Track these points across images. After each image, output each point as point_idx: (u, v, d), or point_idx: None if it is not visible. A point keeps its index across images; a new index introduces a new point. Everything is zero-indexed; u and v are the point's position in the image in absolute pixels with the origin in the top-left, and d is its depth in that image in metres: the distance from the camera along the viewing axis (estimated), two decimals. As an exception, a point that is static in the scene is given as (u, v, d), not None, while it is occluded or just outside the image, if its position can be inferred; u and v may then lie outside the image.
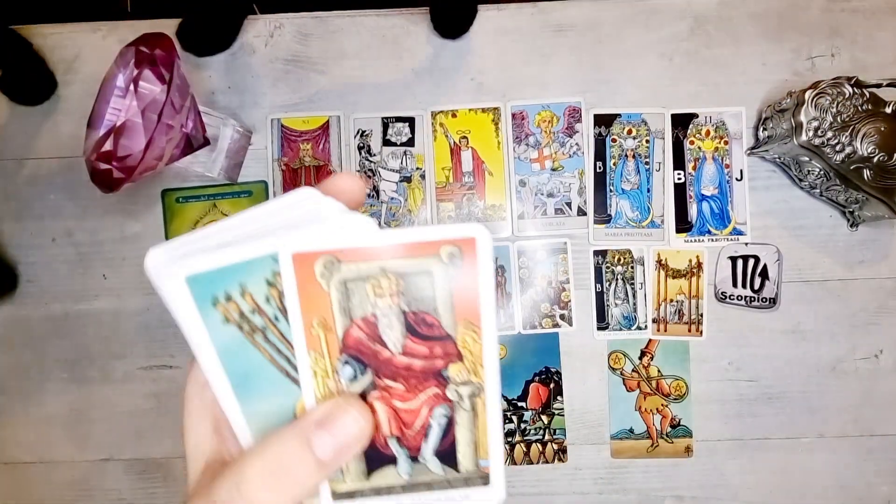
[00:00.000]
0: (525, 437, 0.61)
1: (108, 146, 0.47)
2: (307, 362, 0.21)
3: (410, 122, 0.63)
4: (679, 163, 0.62)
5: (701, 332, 0.61)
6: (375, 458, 0.22)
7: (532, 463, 0.61)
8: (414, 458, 0.23)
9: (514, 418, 0.61)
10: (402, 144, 0.63)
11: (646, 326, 0.61)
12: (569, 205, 0.62)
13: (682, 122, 0.62)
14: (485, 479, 0.23)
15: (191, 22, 0.61)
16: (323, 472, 0.20)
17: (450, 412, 0.23)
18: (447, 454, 0.23)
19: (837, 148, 0.54)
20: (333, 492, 0.22)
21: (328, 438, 0.20)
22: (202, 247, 0.20)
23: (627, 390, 0.61)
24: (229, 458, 0.23)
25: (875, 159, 0.54)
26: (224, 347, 0.21)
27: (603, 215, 0.62)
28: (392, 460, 0.23)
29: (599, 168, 0.62)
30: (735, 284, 0.61)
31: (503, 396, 0.62)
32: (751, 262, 0.61)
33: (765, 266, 0.61)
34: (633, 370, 0.62)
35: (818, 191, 0.60)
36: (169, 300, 0.20)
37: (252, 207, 0.21)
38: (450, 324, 0.21)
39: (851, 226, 0.61)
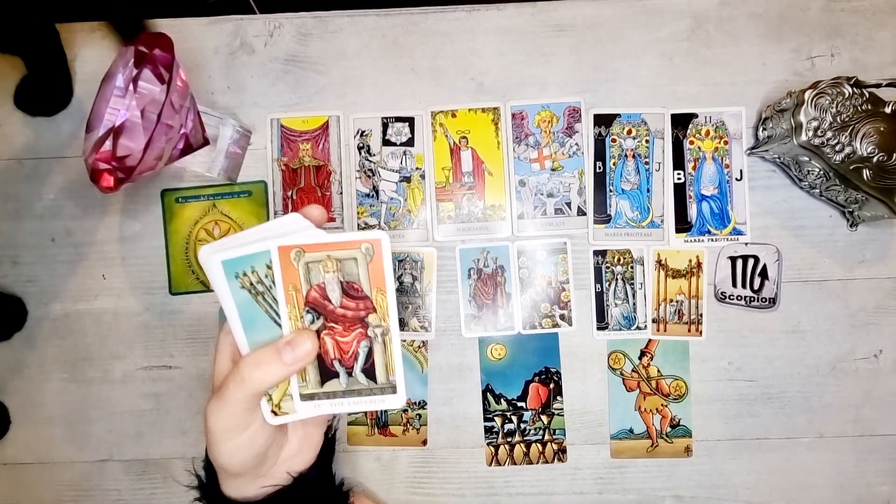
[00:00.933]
0: (525, 438, 0.61)
1: (107, 146, 0.47)
2: (286, 311, 0.35)
3: (410, 122, 0.63)
4: (679, 163, 0.62)
5: (701, 332, 0.61)
6: (325, 373, 0.36)
7: (532, 463, 0.61)
8: (349, 374, 0.36)
9: (514, 418, 0.61)
10: (402, 144, 0.63)
11: (645, 326, 0.61)
12: (568, 205, 0.62)
13: (681, 122, 0.62)
14: (393, 389, 0.37)
15: (22, 84, 0.60)
16: (284, 372, 0.33)
17: (370, 344, 0.36)
18: (369, 371, 0.36)
19: (837, 148, 0.54)
20: (301, 394, 0.36)
21: (290, 350, 0.33)
22: (231, 244, 0.34)
23: (627, 390, 0.62)
24: None
25: (875, 159, 0.54)
26: (240, 303, 0.34)
27: (603, 215, 0.62)
28: (336, 375, 0.36)
29: (599, 168, 0.62)
30: (735, 284, 0.62)
31: (503, 396, 0.61)
32: (750, 262, 0.62)
33: (764, 266, 0.61)
34: (632, 370, 0.62)
35: (818, 191, 0.60)
36: (212, 277, 0.34)
37: (263, 224, 0.36)
38: (367, 289, 0.35)
39: (851, 226, 0.61)
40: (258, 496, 0.37)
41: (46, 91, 0.61)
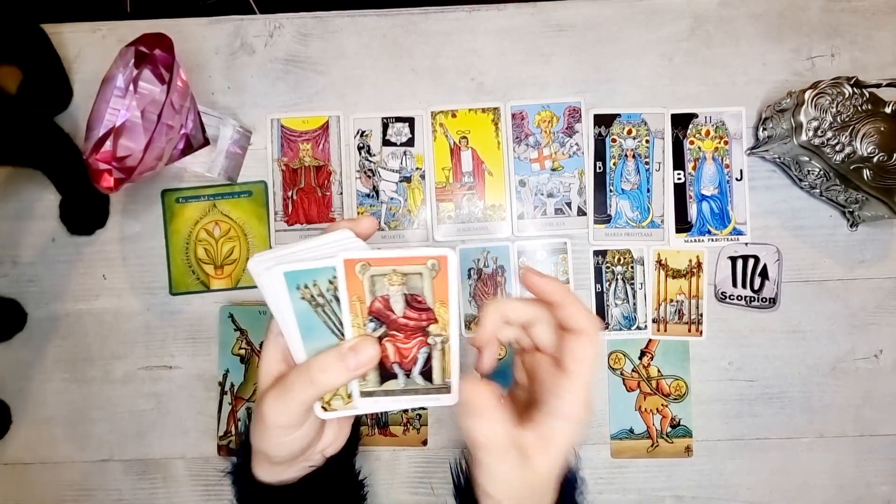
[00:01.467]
0: (525, 437, 0.61)
1: (107, 146, 0.47)
2: (349, 319, 0.36)
3: (410, 122, 0.63)
4: (679, 163, 0.62)
5: (701, 332, 0.61)
6: (385, 374, 0.38)
7: (532, 463, 0.61)
8: (407, 375, 0.38)
9: (514, 418, 0.61)
10: (402, 144, 0.63)
11: (646, 326, 0.61)
12: (569, 205, 0.62)
13: (681, 122, 0.62)
14: (448, 389, 0.39)
15: (64, 204, 0.61)
16: (348, 376, 0.35)
17: (429, 351, 0.38)
18: (426, 374, 0.38)
19: (837, 148, 0.54)
20: (361, 392, 0.38)
21: (353, 356, 0.35)
22: (287, 258, 0.36)
23: (627, 390, 0.62)
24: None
25: (875, 159, 0.54)
26: (299, 312, 0.36)
27: (603, 215, 0.62)
28: (394, 376, 0.38)
29: (599, 168, 0.62)
30: (735, 284, 0.62)
31: (503, 396, 0.61)
32: (751, 262, 0.62)
33: (765, 266, 0.61)
34: (633, 370, 0.62)
35: (818, 191, 0.60)
36: (266, 285, 0.35)
37: (313, 237, 0.38)
38: (430, 301, 0.37)
39: (851, 226, 0.61)
40: (294, 479, 0.40)
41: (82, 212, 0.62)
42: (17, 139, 0.52)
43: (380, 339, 0.37)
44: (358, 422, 0.45)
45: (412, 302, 0.37)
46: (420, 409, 0.61)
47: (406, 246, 0.38)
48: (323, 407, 0.38)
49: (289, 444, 0.37)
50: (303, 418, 0.37)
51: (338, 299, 0.36)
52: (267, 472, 0.40)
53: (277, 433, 0.36)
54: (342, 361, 0.35)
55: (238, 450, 0.42)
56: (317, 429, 0.39)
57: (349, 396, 0.38)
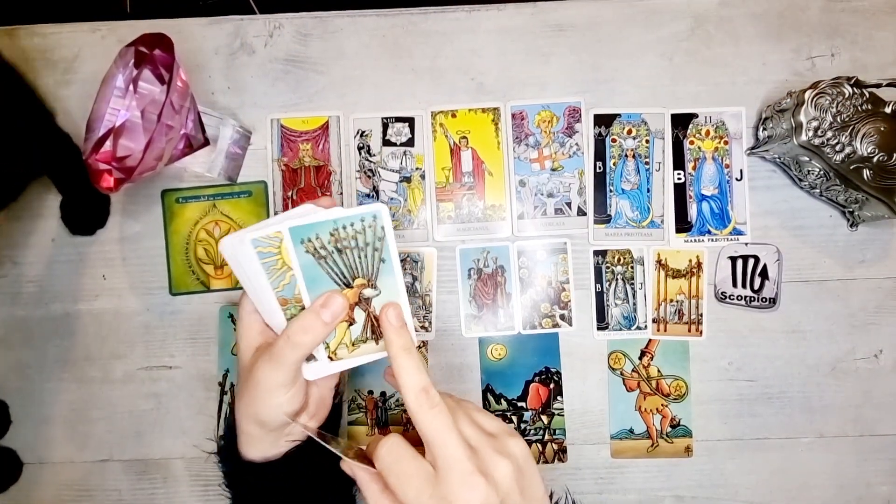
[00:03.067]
0: (525, 437, 0.61)
1: (107, 146, 0.47)
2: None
3: (410, 122, 0.63)
4: (679, 163, 0.62)
5: (701, 332, 0.61)
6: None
7: (532, 463, 0.61)
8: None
9: (514, 418, 0.61)
10: (402, 144, 0.63)
11: (646, 326, 0.61)
12: (569, 205, 0.62)
13: (681, 122, 0.62)
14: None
15: (65, 205, 0.62)
16: (327, 329, 0.39)
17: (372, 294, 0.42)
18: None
19: (837, 148, 0.54)
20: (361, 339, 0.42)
21: (326, 310, 0.39)
22: (249, 230, 0.39)
23: (627, 390, 0.62)
24: (268, 345, 0.41)
25: (875, 159, 0.54)
26: (304, 265, 0.39)
27: (603, 215, 0.62)
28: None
29: (599, 168, 0.62)
30: (735, 284, 0.62)
31: (503, 396, 0.61)
32: (751, 262, 0.62)
33: (765, 266, 0.61)
34: (633, 370, 0.62)
35: (818, 191, 0.60)
36: (242, 259, 0.39)
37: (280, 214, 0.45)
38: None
39: (851, 226, 0.61)
40: (279, 454, 0.42)
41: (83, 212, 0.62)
42: (17, 140, 0.52)
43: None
44: (338, 396, 0.48)
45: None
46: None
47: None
48: (329, 356, 0.42)
49: (280, 408, 0.40)
50: (291, 379, 0.40)
51: (339, 250, 0.40)
52: (255, 447, 0.42)
53: (269, 394, 0.39)
54: (318, 318, 0.39)
55: (225, 432, 0.45)
56: (303, 393, 0.42)
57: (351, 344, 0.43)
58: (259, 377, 0.39)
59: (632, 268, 0.62)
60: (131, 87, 0.47)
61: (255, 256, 0.39)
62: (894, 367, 0.61)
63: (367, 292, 0.42)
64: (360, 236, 0.40)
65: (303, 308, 0.41)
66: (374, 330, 0.42)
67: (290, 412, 0.41)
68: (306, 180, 0.63)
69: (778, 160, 0.61)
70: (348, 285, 0.41)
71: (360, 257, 0.41)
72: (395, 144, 0.63)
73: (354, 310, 0.42)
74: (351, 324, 0.42)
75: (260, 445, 0.42)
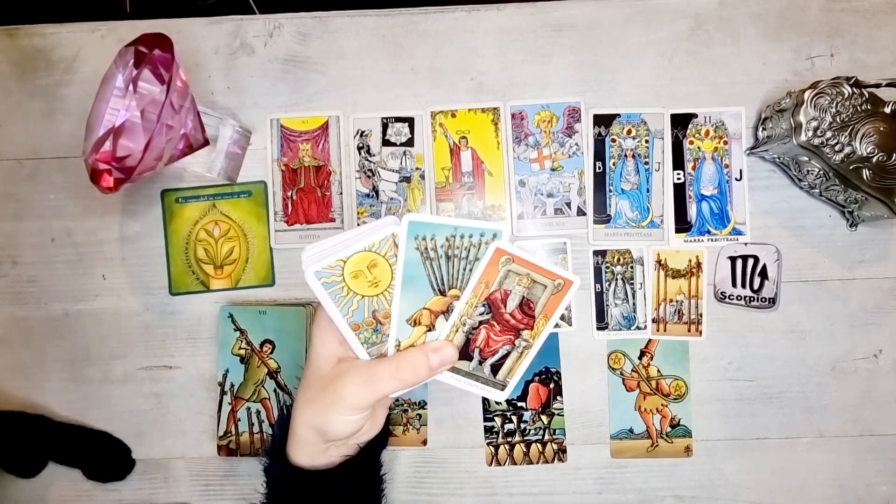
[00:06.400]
0: (525, 437, 0.61)
1: (107, 146, 0.47)
2: (468, 297, 0.41)
3: (410, 122, 0.63)
4: (678, 163, 0.62)
5: (700, 332, 0.61)
6: (463, 353, 0.42)
7: (532, 463, 0.61)
8: (480, 363, 0.42)
9: (514, 418, 0.61)
10: (402, 144, 0.63)
11: (645, 326, 0.61)
12: (568, 205, 0.62)
13: (681, 122, 0.62)
14: (503, 387, 0.43)
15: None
16: (430, 374, 0.41)
17: (510, 349, 0.42)
18: (496, 368, 0.43)
19: (837, 148, 0.54)
20: None
21: (436, 356, 0.41)
22: (330, 249, 0.41)
23: (627, 390, 0.62)
24: (352, 357, 0.43)
25: (874, 159, 0.54)
26: (409, 261, 0.40)
27: (602, 215, 0.62)
28: (470, 358, 0.43)
29: (599, 168, 0.62)
30: (734, 284, 0.62)
31: (503, 396, 0.62)
32: (750, 261, 0.62)
33: (764, 266, 0.61)
34: (632, 370, 0.62)
35: (818, 191, 0.60)
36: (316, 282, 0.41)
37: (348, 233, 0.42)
38: (539, 312, 0.42)
39: (851, 226, 0.61)
40: (328, 465, 0.44)
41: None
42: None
43: (480, 323, 0.42)
44: (390, 416, 0.49)
45: (524, 306, 0.42)
46: (421, 408, 0.62)
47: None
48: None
49: (351, 424, 0.42)
50: (374, 403, 0.41)
51: (448, 257, 0.41)
52: (305, 453, 0.43)
53: (349, 412, 0.41)
54: (426, 361, 0.41)
55: (277, 432, 0.46)
56: (372, 412, 0.43)
57: None
58: (346, 394, 0.40)
59: (631, 268, 0.62)
60: (131, 87, 0.47)
61: (320, 288, 0.40)
62: (894, 367, 0.61)
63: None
64: (473, 250, 0.41)
65: (377, 324, 0.42)
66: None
67: (356, 430, 0.42)
68: (306, 180, 0.63)
69: (777, 160, 0.61)
70: (442, 293, 0.42)
71: (464, 269, 0.41)
72: (394, 144, 0.63)
73: (437, 318, 0.42)
74: (429, 330, 0.42)
75: (312, 452, 0.43)
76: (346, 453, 0.44)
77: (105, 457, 0.61)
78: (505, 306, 0.42)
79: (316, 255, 0.41)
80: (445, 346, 0.41)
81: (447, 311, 0.42)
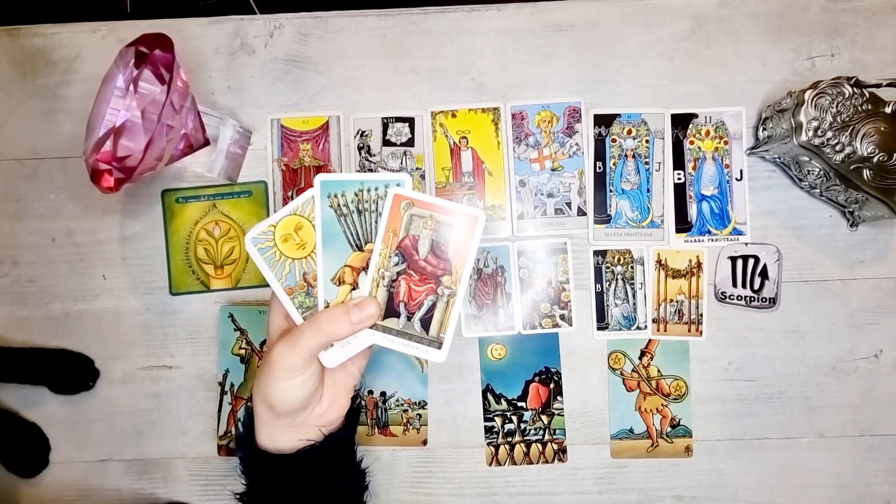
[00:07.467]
0: (525, 437, 0.61)
1: (107, 146, 0.47)
2: (379, 248, 0.41)
3: (410, 122, 0.63)
4: (679, 163, 0.62)
5: (701, 332, 0.61)
6: (390, 310, 0.42)
7: (532, 463, 0.61)
8: (408, 318, 0.42)
9: (514, 418, 0.61)
10: (402, 144, 0.63)
11: (646, 326, 0.61)
12: (569, 205, 0.62)
13: (681, 122, 0.62)
14: (439, 345, 0.42)
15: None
16: (352, 329, 0.40)
17: (435, 300, 0.42)
18: (425, 322, 0.42)
19: (837, 148, 0.54)
20: None
21: (357, 311, 0.40)
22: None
23: (627, 390, 0.62)
24: (293, 328, 0.42)
25: (875, 159, 0.54)
26: (325, 220, 0.41)
27: (603, 215, 0.62)
28: (397, 315, 0.42)
29: (599, 168, 0.62)
30: (735, 284, 0.62)
31: (503, 396, 0.62)
32: (751, 262, 0.62)
33: (765, 266, 0.61)
34: (632, 370, 0.62)
35: (818, 191, 0.60)
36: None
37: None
38: (452, 255, 0.41)
39: (851, 226, 0.61)
40: (291, 448, 0.43)
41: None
42: None
43: (398, 275, 0.42)
44: (357, 398, 0.48)
45: (436, 249, 0.41)
46: (421, 408, 0.62)
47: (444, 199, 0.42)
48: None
49: (290, 391, 0.41)
50: (305, 364, 0.40)
51: (359, 211, 0.41)
52: (266, 433, 0.43)
53: (281, 376, 0.40)
54: (347, 315, 0.40)
55: (244, 416, 0.46)
56: (316, 383, 0.42)
57: None
58: (274, 357, 0.40)
59: (632, 268, 0.62)
60: (131, 87, 0.47)
61: (256, 253, 0.41)
62: (894, 367, 0.61)
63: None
64: (381, 202, 0.41)
65: (309, 287, 0.42)
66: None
67: (300, 399, 0.41)
68: (306, 180, 0.63)
69: (778, 160, 0.61)
70: (360, 248, 0.42)
71: (375, 223, 0.42)
72: (395, 144, 0.63)
73: (360, 275, 0.42)
74: (354, 288, 0.42)
75: (271, 432, 0.43)
76: (309, 437, 0.43)
77: (68, 369, 0.61)
78: (417, 252, 0.42)
79: (259, 226, 0.42)
80: (366, 301, 0.41)
81: (367, 267, 0.42)
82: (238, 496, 0.46)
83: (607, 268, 0.62)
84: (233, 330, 0.62)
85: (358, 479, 0.47)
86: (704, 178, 0.62)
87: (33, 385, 0.61)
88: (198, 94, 0.58)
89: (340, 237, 0.42)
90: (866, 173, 0.54)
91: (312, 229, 0.42)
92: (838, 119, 0.54)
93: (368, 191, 0.41)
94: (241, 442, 0.45)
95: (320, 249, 0.42)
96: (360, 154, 0.63)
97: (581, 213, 0.62)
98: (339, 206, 0.41)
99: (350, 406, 0.46)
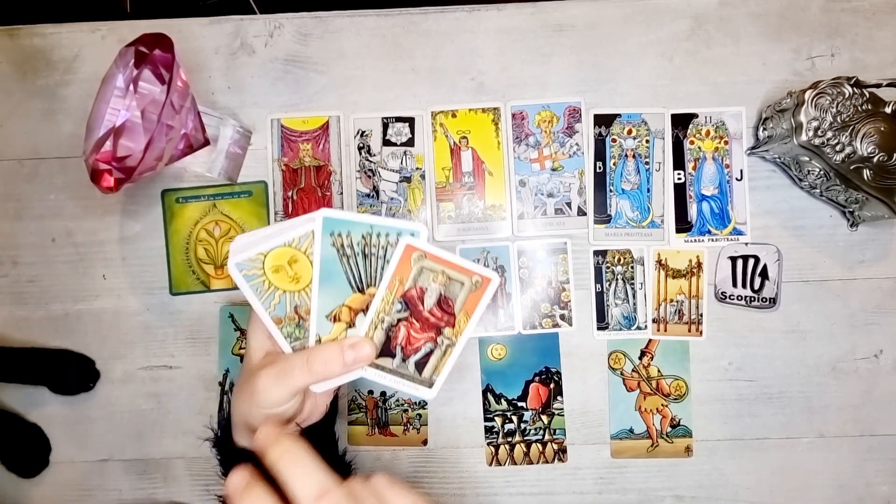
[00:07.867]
0: (525, 437, 0.61)
1: (107, 146, 0.47)
2: (383, 294, 0.41)
3: (410, 122, 0.63)
4: (679, 163, 0.62)
5: (701, 332, 0.61)
6: (385, 350, 0.41)
7: (532, 463, 0.61)
8: (403, 360, 0.41)
9: (514, 418, 0.61)
10: (402, 144, 0.63)
11: (646, 326, 0.61)
12: (569, 205, 0.62)
13: (682, 122, 0.62)
14: (430, 385, 0.42)
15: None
16: (345, 370, 0.40)
17: (433, 348, 0.41)
18: (420, 365, 0.42)
19: (837, 148, 0.54)
20: None
21: (352, 352, 0.39)
22: (256, 242, 0.40)
23: (627, 390, 0.62)
24: (278, 352, 0.42)
25: (875, 159, 0.54)
26: (325, 258, 0.40)
27: (603, 215, 0.62)
28: (392, 356, 0.42)
29: (599, 168, 0.62)
30: (735, 284, 0.62)
31: (503, 396, 0.62)
32: (751, 262, 0.62)
33: (765, 266, 0.61)
34: (633, 370, 0.62)
35: (818, 191, 0.60)
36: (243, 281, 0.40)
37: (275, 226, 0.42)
38: (458, 310, 0.41)
39: (851, 226, 0.61)
40: None
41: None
42: None
43: (399, 321, 0.41)
44: (336, 398, 0.47)
45: (443, 302, 0.41)
46: (421, 408, 0.62)
47: (460, 256, 0.42)
48: None
49: (273, 417, 0.40)
50: (292, 397, 0.40)
51: (364, 255, 0.40)
52: (246, 439, 0.42)
53: (267, 407, 0.39)
54: (341, 356, 0.39)
55: (220, 420, 0.45)
56: (299, 404, 0.41)
57: None
58: (260, 388, 0.39)
59: (632, 268, 0.62)
60: (131, 87, 0.47)
61: (241, 279, 0.39)
62: (894, 367, 0.61)
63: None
64: (391, 250, 0.40)
65: (300, 319, 0.41)
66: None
67: (282, 421, 0.41)
68: (306, 180, 0.63)
69: (778, 160, 0.61)
70: (360, 290, 0.41)
71: (381, 268, 0.40)
72: (395, 144, 0.63)
73: (357, 315, 0.41)
74: (350, 326, 0.41)
75: (249, 439, 0.42)
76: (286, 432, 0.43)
77: (68, 370, 0.61)
78: (422, 304, 0.41)
79: (243, 245, 0.40)
80: (362, 343, 0.40)
81: (367, 309, 0.41)
82: (221, 499, 0.46)
83: (607, 268, 0.62)
84: (233, 330, 0.62)
85: (341, 472, 0.47)
86: (704, 178, 0.62)
87: (34, 385, 0.61)
88: (198, 94, 0.58)
89: (340, 277, 0.40)
90: (866, 173, 0.54)
91: (309, 264, 0.40)
92: (838, 119, 0.54)
93: (378, 235, 0.40)
94: (218, 445, 0.45)
95: (316, 286, 0.40)
96: (360, 154, 0.63)
97: (581, 213, 0.62)
98: (342, 245, 0.40)
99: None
